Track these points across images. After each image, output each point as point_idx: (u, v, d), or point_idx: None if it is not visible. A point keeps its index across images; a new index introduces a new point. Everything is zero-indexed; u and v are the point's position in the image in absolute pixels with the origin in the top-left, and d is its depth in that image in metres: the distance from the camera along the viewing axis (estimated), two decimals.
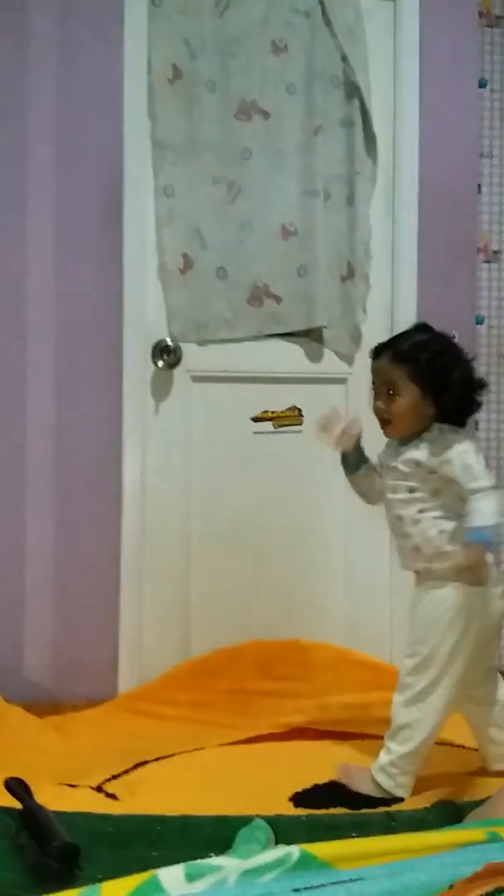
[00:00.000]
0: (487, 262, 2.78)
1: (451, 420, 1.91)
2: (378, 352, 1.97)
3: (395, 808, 1.82)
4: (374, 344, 2.66)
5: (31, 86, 2.49)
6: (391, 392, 1.90)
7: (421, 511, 1.90)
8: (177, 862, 1.16)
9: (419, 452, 1.89)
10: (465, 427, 1.93)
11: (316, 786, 1.95)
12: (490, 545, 1.81)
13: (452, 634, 1.85)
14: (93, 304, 2.54)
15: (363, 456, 2.05)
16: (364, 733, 2.31)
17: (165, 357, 2.58)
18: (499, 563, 1.90)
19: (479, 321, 2.76)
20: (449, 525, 1.88)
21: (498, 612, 1.91)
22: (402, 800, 1.87)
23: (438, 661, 1.86)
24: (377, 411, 1.94)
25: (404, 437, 1.92)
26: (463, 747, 2.19)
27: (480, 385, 1.94)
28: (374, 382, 1.95)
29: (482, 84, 2.78)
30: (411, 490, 1.90)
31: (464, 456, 1.84)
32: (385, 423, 1.94)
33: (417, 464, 1.89)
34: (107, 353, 2.54)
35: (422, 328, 2.00)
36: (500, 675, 2.01)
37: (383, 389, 1.92)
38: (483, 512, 1.79)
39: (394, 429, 1.93)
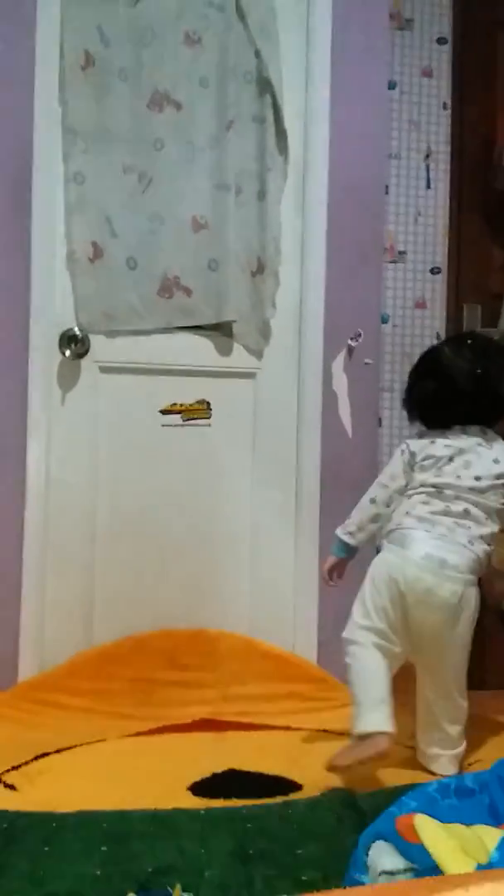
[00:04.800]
0: (393, 262, 2.84)
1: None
2: None
3: (291, 796, 1.86)
4: (282, 339, 2.73)
5: None
6: None
7: None
8: (70, 857, 1.17)
9: None
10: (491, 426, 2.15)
11: (214, 775, 1.98)
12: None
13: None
14: None
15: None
16: (266, 724, 2.36)
17: (73, 347, 2.56)
18: None
19: (385, 320, 2.81)
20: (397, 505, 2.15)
21: None
22: (300, 787, 1.92)
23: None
24: None
25: None
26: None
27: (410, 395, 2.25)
28: None
29: (392, 86, 2.83)
30: None
31: None
32: None
33: None
34: (12, 341, 2.50)
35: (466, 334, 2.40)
36: None
37: None
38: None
39: None
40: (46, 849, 1.29)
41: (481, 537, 2.02)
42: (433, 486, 2.06)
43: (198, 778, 1.95)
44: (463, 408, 2.11)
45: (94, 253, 2.57)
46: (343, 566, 2.23)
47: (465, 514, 2.02)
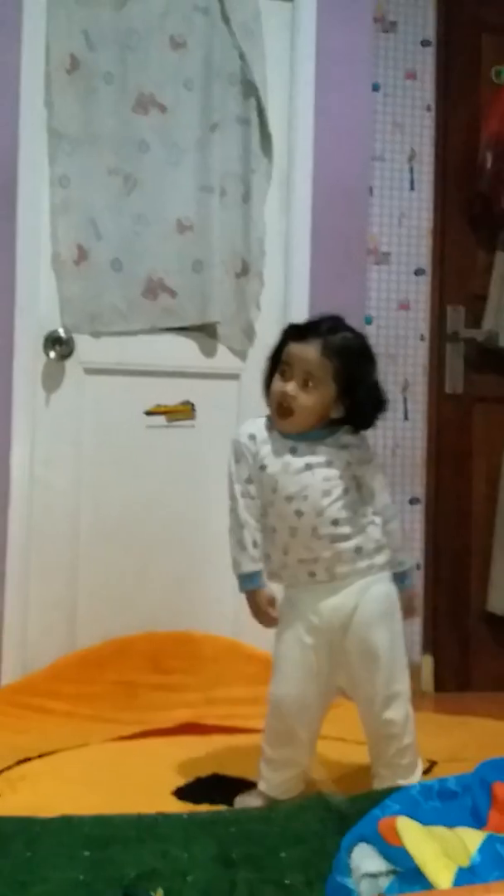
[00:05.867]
0: (377, 263, 2.84)
1: (354, 423, 1.83)
2: (303, 335, 1.78)
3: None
4: (266, 341, 2.71)
5: None
6: (308, 384, 1.75)
7: (356, 511, 1.80)
8: (53, 863, 1.16)
9: (349, 453, 1.81)
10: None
11: (198, 779, 1.98)
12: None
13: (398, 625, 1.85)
14: None
15: None
16: (251, 728, 2.35)
17: (58, 348, 2.55)
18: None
19: (368, 321, 2.82)
20: (378, 519, 1.84)
21: None
22: None
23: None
24: (282, 397, 1.76)
25: (302, 433, 1.78)
26: (344, 740, 2.25)
27: (384, 399, 1.86)
28: (288, 365, 1.76)
29: (375, 88, 2.84)
30: (346, 490, 1.79)
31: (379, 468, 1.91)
32: (286, 412, 1.76)
33: (349, 464, 1.81)
34: None
35: (339, 319, 1.84)
36: None
37: (300, 378, 1.75)
38: (405, 547, 1.89)
39: (292, 422, 1.77)
40: (29, 854, 1.29)
41: None
42: None
43: (182, 783, 1.95)
44: None
45: (79, 255, 2.56)
46: None
47: None
